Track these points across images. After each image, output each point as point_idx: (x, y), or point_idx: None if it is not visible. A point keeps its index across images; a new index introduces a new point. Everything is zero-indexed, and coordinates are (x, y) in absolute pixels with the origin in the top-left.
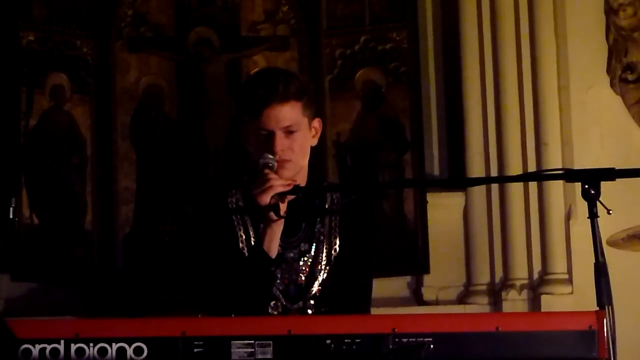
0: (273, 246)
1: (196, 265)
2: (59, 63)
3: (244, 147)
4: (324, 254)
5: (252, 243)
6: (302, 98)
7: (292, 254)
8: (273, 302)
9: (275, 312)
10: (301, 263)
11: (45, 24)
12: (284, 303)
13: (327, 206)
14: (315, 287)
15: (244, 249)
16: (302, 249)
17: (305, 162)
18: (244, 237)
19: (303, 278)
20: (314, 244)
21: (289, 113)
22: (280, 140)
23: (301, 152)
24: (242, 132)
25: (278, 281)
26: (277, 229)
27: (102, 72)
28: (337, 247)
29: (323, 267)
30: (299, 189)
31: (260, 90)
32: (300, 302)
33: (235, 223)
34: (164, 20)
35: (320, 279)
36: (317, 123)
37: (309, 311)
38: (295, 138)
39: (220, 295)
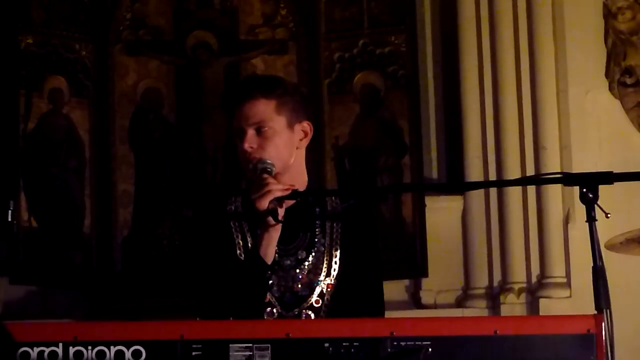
0: (270, 252)
1: (191, 270)
2: (58, 66)
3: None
4: (324, 265)
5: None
6: (272, 95)
7: (288, 261)
8: (269, 308)
9: (271, 319)
10: (298, 271)
11: (44, 27)
12: (280, 310)
13: (327, 214)
14: (314, 298)
15: (241, 255)
16: (299, 256)
17: (289, 162)
18: (241, 243)
19: (300, 286)
20: (313, 254)
21: (257, 110)
22: (250, 138)
23: (276, 152)
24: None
25: (274, 288)
26: (275, 235)
27: (100, 75)
28: (337, 259)
29: (322, 278)
30: (297, 194)
31: (236, 91)
32: (296, 310)
33: (233, 229)
34: (163, 23)
35: (318, 290)
36: (304, 126)
37: None
38: (268, 136)
39: (215, 301)
